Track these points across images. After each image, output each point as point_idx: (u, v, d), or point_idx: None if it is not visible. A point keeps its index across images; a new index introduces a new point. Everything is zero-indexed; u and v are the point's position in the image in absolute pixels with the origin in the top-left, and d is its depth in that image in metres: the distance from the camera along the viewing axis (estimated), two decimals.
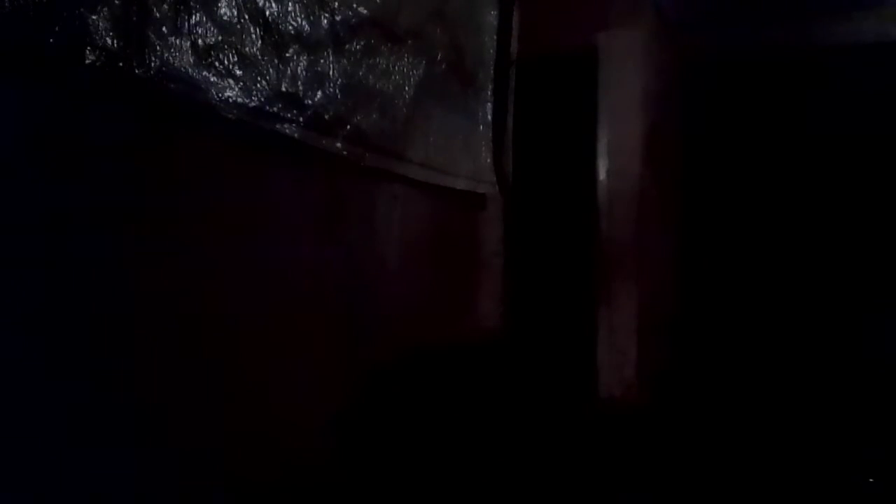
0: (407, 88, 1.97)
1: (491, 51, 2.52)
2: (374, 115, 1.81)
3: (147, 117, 1.19)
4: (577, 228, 3.23)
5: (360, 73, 1.75)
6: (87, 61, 1.05)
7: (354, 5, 1.71)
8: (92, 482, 1.10)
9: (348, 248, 1.76)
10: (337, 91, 1.66)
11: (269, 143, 1.48)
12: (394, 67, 1.90)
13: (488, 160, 2.51)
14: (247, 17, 1.39)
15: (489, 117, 2.51)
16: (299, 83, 1.54)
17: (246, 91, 1.38)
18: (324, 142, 1.63)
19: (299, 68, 1.54)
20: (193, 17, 1.26)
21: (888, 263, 3.44)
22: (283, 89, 1.49)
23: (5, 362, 0.96)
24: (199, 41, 1.27)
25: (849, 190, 3.62)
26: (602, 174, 3.17)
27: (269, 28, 1.45)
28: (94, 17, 1.05)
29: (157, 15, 1.18)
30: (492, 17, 2.53)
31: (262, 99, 1.43)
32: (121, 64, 1.10)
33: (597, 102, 3.20)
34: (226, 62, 1.33)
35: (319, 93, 1.61)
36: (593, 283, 3.15)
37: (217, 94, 1.31)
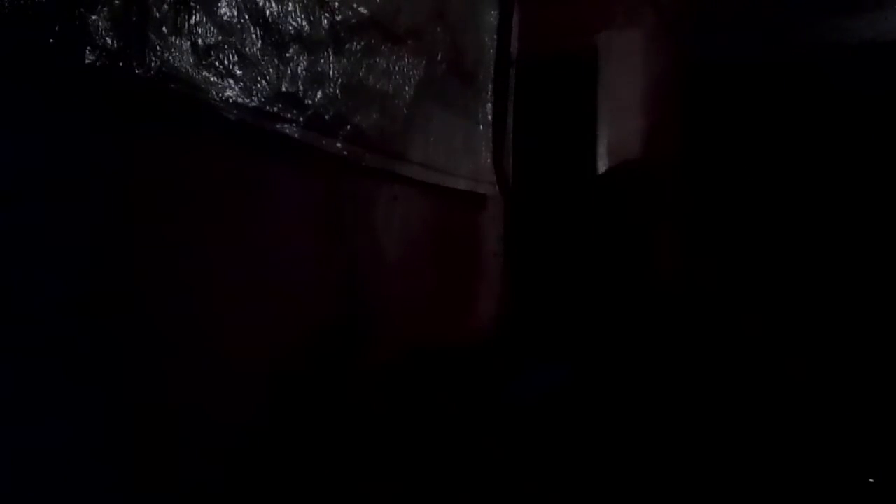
0: (407, 88, 1.96)
1: (491, 51, 2.52)
2: (374, 115, 1.81)
3: (147, 117, 1.19)
4: (577, 228, 3.23)
5: (360, 73, 1.75)
6: (87, 61, 1.05)
7: (354, 5, 1.71)
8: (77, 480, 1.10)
9: (348, 248, 1.76)
10: (337, 91, 1.66)
11: (269, 143, 1.48)
12: (394, 67, 1.90)
13: (488, 160, 2.51)
14: (247, 17, 1.39)
15: (489, 117, 2.51)
16: (299, 83, 1.54)
17: (246, 91, 1.38)
18: (324, 142, 1.63)
19: (299, 68, 1.54)
20: (193, 17, 1.26)
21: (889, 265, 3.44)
22: (283, 89, 1.49)
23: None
24: (199, 41, 1.27)
25: (851, 190, 3.62)
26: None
27: (269, 28, 1.45)
28: (94, 17, 1.05)
29: (157, 15, 1.18)
30: (492, 17, 2.53)
31: (262, 99, 1.43)
32: (121, 64, 1.10)
33: (597, 102, 3.20)
34: (226, 62, 1.33)
35: (319, 93, 1.60)
36: (593, 283, 3.15)
37: (217, 94, 1.31)
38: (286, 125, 1.50)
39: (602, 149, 3.18)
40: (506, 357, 2.54)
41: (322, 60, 1.61)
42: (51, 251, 1.04)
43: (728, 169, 3.90)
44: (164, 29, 1.19)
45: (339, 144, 1.67)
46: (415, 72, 2.00)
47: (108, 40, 1.07)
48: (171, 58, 1.20)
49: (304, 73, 1.55)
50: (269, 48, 1.45)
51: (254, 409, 1.45)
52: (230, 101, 1.34)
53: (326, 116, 1.63)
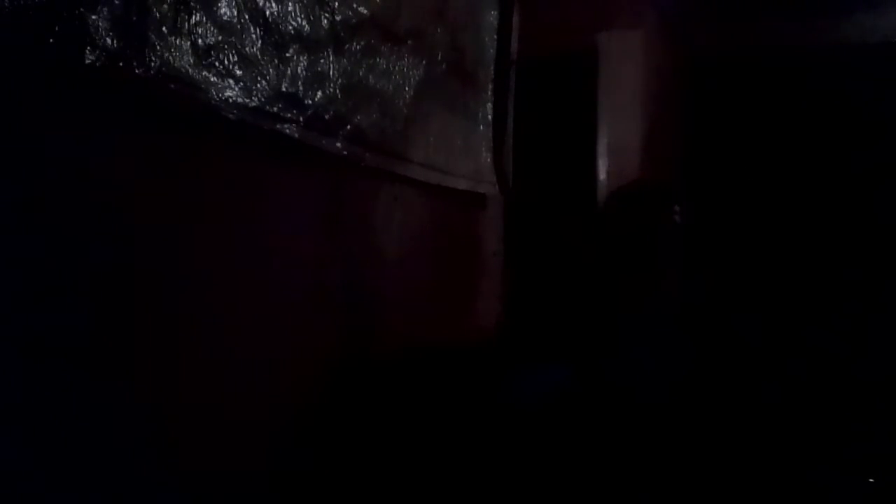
0: (407, 88, 1.96)
1: (491, 51, 2.52)
2: (374, 115, 1.81)
3: (147, 117, 1.19)
4: (577, 228, 3.23)
5: (360, 73, 1.75)
6: (87, 61, 1.04)
7: (354, 5, 1.71)
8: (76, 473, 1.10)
9: (348, 248, 1.76)
10: (337, 91, 1.66)
11: (269, 143, 1.48)
12: (394, 67, 1.90)
13: (488, 160, 2.50)
14: (247, 17, 1.39)
15: (489, 117, 2.50)
16: (299, 83, 1.54)
17: (246, 91, 1.38)
18: (324, 142, 1.63)
19: (299, 68, 1.54)
20: (193, 17, 1.26)
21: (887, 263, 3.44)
22: (283, 89, 1.49)
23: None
24: (199, 41, 1.27)
25: (850, 189, 3.63)
26: (602, 174, 3.17)
27: (269, 28, 1.45)
28: (94, 17, 1.05)
29: (157, 15, 1.18)
30: (492, 17, 2.53)
31: (262, 99, 1.43)
32: (121, 64, 1.10)
33: (597, 102, 3.20)
34: (226, 62, 1.33)
35: (319, 93, 1.60)
36: (594, 283, 3.15)
37: (217, 94, 1.31)
38: (286, 125, 1.50)
39: (602, 149, 3.18)
40: (506, 357, 2.54)
41: (322, 60, 1.61)
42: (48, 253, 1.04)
43: (729, 167, 3.90)
44: (164, 29, 1.19)
45: (339, 144, 1.67)
46: (415, 72, 2.00)
47: (108, 40, 1.07)
48: (171, 58, 1.20)
49: (304, 73, 1.55)
50: (269, 48, 1.45)
51: (253, 411, 1.45)
52: (230, 101, 1.34)
53: (326, 116, 1.63)
